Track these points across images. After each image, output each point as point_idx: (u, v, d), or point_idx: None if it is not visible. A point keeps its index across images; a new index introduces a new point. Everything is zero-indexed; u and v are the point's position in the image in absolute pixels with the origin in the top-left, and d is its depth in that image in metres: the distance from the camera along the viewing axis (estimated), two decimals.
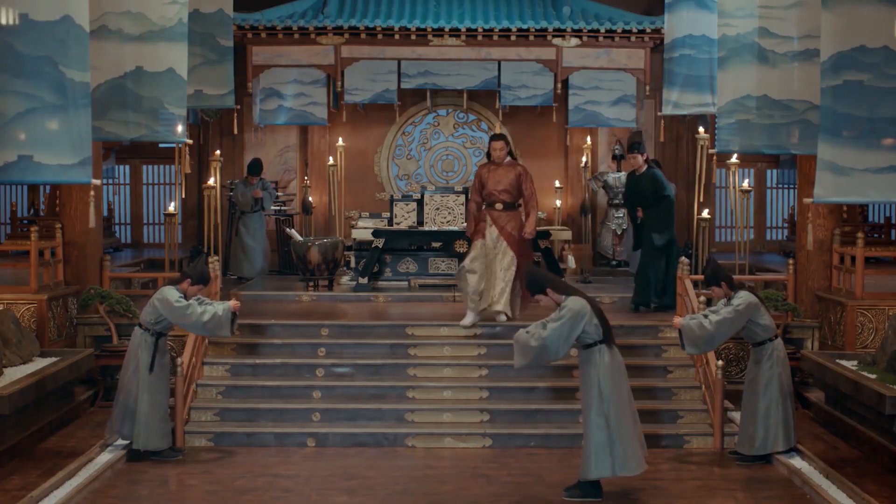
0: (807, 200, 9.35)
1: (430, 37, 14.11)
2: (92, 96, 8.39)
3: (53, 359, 9.39)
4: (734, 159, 12.08)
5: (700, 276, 10.33)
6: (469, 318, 9.96)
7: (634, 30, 14.08)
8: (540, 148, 15.79)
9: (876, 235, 15.89)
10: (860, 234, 10.67)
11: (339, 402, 9.19)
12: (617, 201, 14.52)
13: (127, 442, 8.35)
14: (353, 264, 12.73)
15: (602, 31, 14.06)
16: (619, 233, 14.63)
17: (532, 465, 8.20)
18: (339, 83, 14.18)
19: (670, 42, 12.53)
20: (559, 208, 14.89)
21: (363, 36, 14.06)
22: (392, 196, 13.55)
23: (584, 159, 14.88)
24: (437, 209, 13.08)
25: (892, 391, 8.08)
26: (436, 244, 12.63)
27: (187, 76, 9.95)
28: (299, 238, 12.59)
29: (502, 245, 9.91)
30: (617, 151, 14.84)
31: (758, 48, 10.12)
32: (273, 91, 14.25)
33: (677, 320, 8.23)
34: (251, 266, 13.84)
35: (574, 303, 7.19)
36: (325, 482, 7.76)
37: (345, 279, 12.93)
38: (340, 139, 14.99)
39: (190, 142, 11.12)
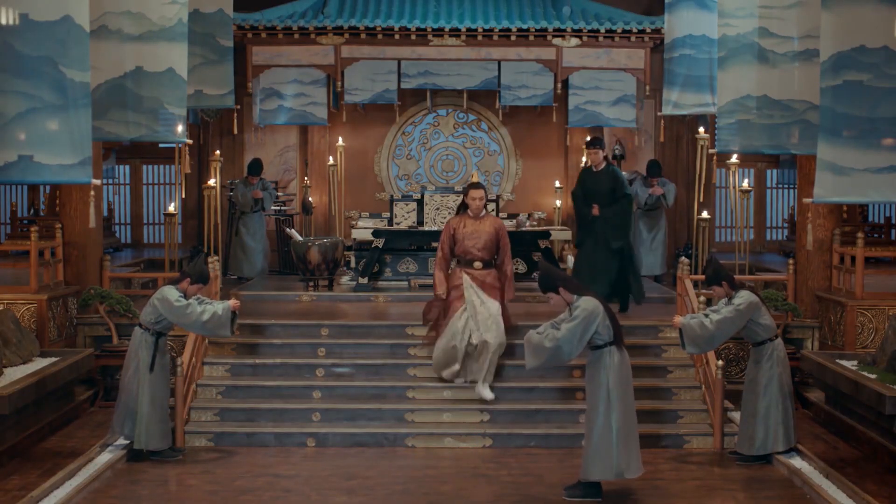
0: (807, 200, 9.36)
1: (430, 37, 14.11)
2: (92, 96, 8.39)
3: (53, 359, 9.39)
4: (734, 159, 12.08)
5: (700, 276, 10.33)
6: (484, 393, 8.99)
7: (634, 30, 14.08)
8: (540, 148, 15.79)
9: (876, 235, 15.89)
10: (860, 234, 10.67)
11: (339, 402, 9.18)
12: None
13: (127, 442, 8.35)
14: (353, 264, 12.73)
15: (602, 31, 14.06)
16: None
17: (532, 465, 8.20)
18: (339, 83, 14.19)
19: (670, 42, 12.54)
20: (559, 208, 14.90)
21: (363, 36, 14.07)
22: (392, 196, 13.56)
23: (584, 159, 14.87)
24: (437, 209, 13.08)
25: (892, 391, 8.08)
26: (436, 244, 12.61)
27: (187, 76, 9.95)
28: (299, 238, 12.59)
29: (483, 297, 9.12)
30: (617, 151, 14.83)
31: (758, 48, 10.13)
32: (273, 91, 14.25)
33: (678, 319, 8.23)
34: (251, 266, 13.85)
35: (587, 303, 7.18)
36: (325, 482, 7.76)
37: (345, 279, 12.93)
38: (340, 139, 14.99)
39: (190, 142, 11.13)
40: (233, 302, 8.46)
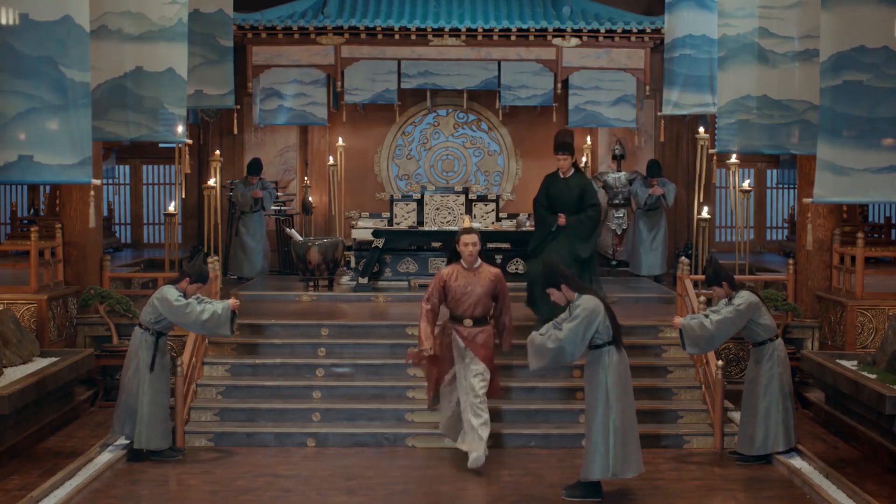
0: (806, 200, 9.36)
1: (430, 37, 14.11)
2: (92, 96, 8.39)
3: (53, 359, 9.39)
4: (734, 159, 12.08)
5: (700, 276, 10.33)
6: (473, 459, 7.93)
7: (634, 30, 14.07)
8: (540, 148, 15.76)
9: (876, 235, 15.89)
10: (860, 234, 10.67)
11: (339, 402, 9.19)
12: (617, 201, 14.52)
13: (127, 442, 8.35)
14: (353, 264, 12.73)
15: (602, 31, 14.06)
16: (619, 233, 14.64)
17: (532, 465, 8.20)
18: (339, 83, 14.18)
19: (670, 42, 12.54)
20: None
21: (363, 36, 14.06)
22: (392, 196, 13.56)
23: (583, 159, 14.88)
24: (437, 209, 13.08)
25: (892, 391, 8.08)
26: (436, 244, 12.64)
27: (187, 76, 9.95)
28: (299, 238, 12.60)
29: (469, 358, 8.07)
30: (617, 151, 14.83)
31: (758, 48, 10.13)
32: (273, 91, 14.24)
33: (678, 320, 8.23)
34: (251, 266, 13.84)
35: (588, 302, 7.19)
36: (325, 482, 7.76)
37: (345, 279, 12.93)
38: (340, 139, 14.99)
39: (190, 142, 11.13)
40: (232, 301, 8.46)
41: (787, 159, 16.54)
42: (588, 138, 15.06)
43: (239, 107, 13.36)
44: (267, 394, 9.30)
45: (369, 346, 9.83)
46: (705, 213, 12.53)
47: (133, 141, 10.82)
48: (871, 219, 16.57)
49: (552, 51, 14.20)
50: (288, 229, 13.77)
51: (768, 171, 17.96)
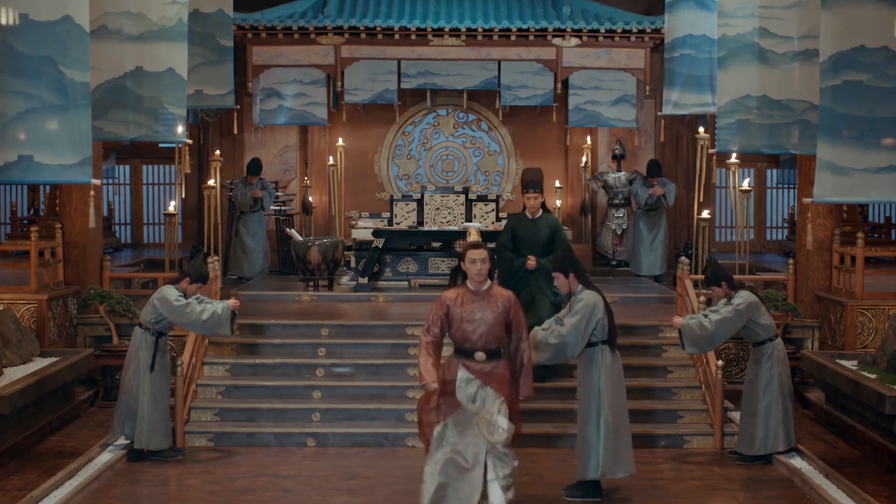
0: (806, 200, 9.36)
1: (430, 37, 14.11)
2: (92, 96, 8.39)
3: (53, 359, 9.39)
4: (734, 159, 12.08)
5: (700, 276, 10.33)
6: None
7: (634, 30, 14.07)
8: (540, 148, 15.78)
9: (876, 235, 15.89)
10: (860, 234, 10.67)
11: (339, 402, 9.19)
12: (617, 201, 14.53)
13: (127, 442, 8.35)
14: (353, 264, 12.73)
15: (602, 30, 14.06)
16: (619, 233, 14.65)
17: (532, 465, 8.19)
18: (339, 83, 14.18)
19: (670, 42, 12.54)
20: (559, 208, 14.88)
21: (363, 36, 14.06)
22: (392, 196, 13.56)
23: (584, 159, 14.89)
24: (437, 209, 13.08)
25: (892, 391, 8.08)
26: (436, 244, 12.64)
27: (187, 76, 9.95)
28: (299, 238, 12.60)
29: (486, 394, 6.54)
30: (617, 152, 14.84)
31: (758, 48, 10.13)
32: (273, 91, 14.24)
33: (677, 320, 8.23)
34: (251, 266, 13.84)
35: (589, 296, 7.22)
36: (325, 482, 7.76)
37: (345, 279, 12.94)
38: (340, 139, 15.00)
39: (190, 142, 11.13)
40: (232, 301, 8.46)
41: (787, 159, 16.53)
42: (588, 138, 15.07)
43: (239, 107, 13.36)
44: (267, 394, 9.30)
45: (369, 346, 9.83)
46: (705, 213, 12.53)
47: (133, 141, 10.82)
48: (871, 219, 16.57)
49: (552, 51, 14.20)
50: (288, 229, 13.78)
51: (768, 171, 17.96)
